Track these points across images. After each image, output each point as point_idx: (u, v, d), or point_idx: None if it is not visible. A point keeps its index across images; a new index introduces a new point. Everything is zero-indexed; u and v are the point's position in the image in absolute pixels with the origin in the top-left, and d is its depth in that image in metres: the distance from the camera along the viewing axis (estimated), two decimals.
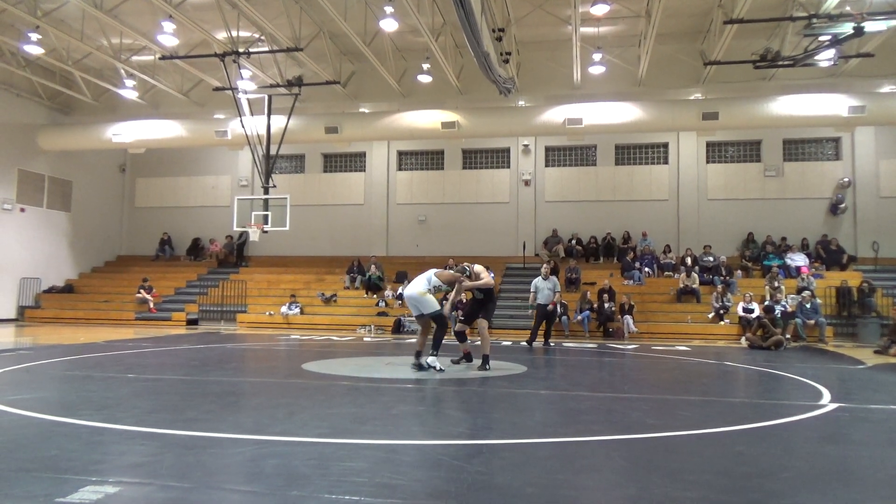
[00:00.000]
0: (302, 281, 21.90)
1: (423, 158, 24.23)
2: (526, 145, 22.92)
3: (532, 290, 14.39)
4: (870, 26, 13.75)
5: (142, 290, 20.84)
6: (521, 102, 20.83)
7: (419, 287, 8.85)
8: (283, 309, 19.55)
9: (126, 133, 21.29)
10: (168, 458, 4.17)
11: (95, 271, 24.66)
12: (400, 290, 8.55)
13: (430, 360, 8.67)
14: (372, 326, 18.43)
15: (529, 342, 13.98)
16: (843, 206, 20.62)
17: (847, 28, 13.77)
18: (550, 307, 14.20)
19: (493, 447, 4.73)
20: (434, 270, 9.17)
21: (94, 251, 24.78)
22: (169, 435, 4.81)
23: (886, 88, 18.76)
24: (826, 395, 7.24)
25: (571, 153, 23.17)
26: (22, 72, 20.22)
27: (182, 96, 21.64)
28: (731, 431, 5.32)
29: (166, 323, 19.79)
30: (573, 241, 21.85)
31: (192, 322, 19.97)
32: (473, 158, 23.83)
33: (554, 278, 14.43)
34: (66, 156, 22.97)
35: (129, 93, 20.99)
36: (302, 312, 19.65)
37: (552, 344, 14.28)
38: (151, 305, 20.67)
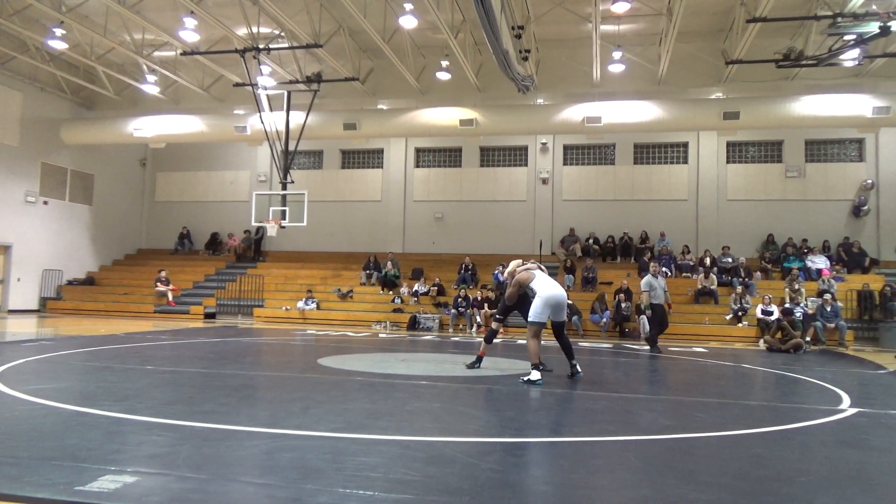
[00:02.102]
0: (318, 276, 22.02)
1: (441, 156, 24.22)
2: (544, 143, 22.82)
3: (647, 289, 12.73)
4: None
5: (158, 283, 21.08)
6: (540, 100, 20.74)
7: None
8: (300, 304, 19.68)
9: (147, 128, 21.55)
10: (185, 449, 4.21)
11: (116, 264, 25.00)
12: (556, 293, 8.02)
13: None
14: (387, 323, 18.50)
15: (652, 345, 12.94)
16: (865, 208, 20.30)
17: (873, 27, 13.56)
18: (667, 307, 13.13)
19: (508, 445, 4.72)
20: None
21: (114, 244, 25.13)
22: (186, 426, 4.86)
23: None
24: (846, 399, 7.14)
25: (590, 152, 23.03)
26: (46, 66, 20.54)
27: (202, 92, 21.83)
28: (749, 434, 5.27)
29: (184, 316, 20.01)
30: (590, 241, 21.72)
31: (209, 316, 20.18)
32: (491, 156, 23.77)
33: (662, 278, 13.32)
34: (88, 150, 23.30)
35: (151, 88, 21.23)
36: (318, 308, 19.76)
37: (666, 348, 13.46)
38: (170, 298, 20.90)
